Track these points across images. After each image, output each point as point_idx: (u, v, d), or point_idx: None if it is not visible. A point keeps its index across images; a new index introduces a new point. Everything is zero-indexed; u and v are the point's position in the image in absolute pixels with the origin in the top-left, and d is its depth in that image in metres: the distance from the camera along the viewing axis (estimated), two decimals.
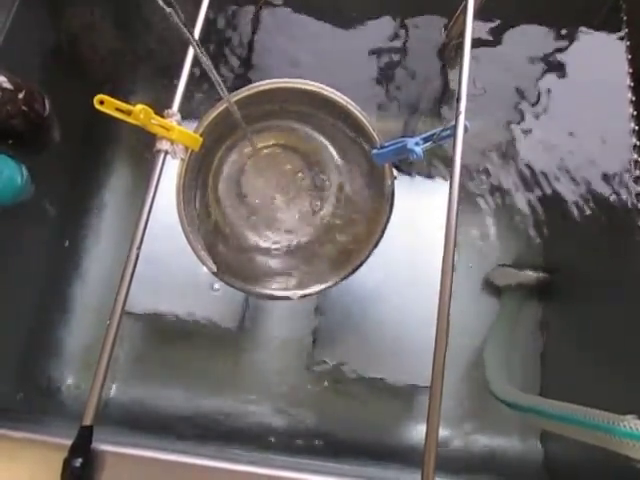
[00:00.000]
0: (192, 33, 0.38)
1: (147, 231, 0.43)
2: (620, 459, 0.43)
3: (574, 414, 0.47)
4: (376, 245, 0.52)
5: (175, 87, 0.47)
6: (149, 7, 0.77)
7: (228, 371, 0.74)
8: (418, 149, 0.44)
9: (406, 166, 0.74)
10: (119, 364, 0.74)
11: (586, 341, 0.67)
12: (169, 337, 0.75)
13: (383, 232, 0.52)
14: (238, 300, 0.71)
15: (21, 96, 0.63)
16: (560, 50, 0.76)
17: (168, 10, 0.35)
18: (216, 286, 0.68)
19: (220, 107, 0.52)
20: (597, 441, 0.44)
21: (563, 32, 0.75)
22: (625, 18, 0.70)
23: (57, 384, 0.74)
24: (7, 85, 0.62)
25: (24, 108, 0.64)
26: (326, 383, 0.73)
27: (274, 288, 0.53)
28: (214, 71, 0.41)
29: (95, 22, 0.75)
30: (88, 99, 0.40)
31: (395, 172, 0.52)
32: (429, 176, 0.75)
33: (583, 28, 0.74)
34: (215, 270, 0.51)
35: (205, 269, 0.51)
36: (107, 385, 0.72)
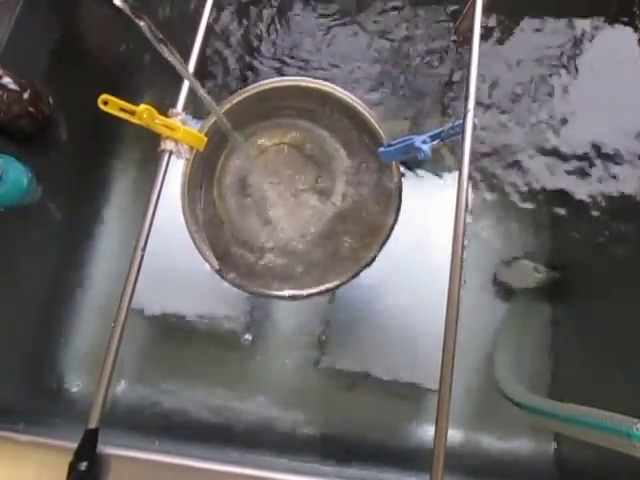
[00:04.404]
0: (186, 68, 0.38)
1: (152, 231, 0.43)
2: (634, 461, 0.42)
3: (586, 417, 0.46)
4: (384, 243, 0.52)
5: (180, 86, 0.47)
6: (153, 5, 0.76)
7: (235, 372, 0.74)
8: (425, 147, 0.43)
9: (413, 163, 0.73)
10: (126, 366, 0.73)
11: (598, 341, 0.66)
12: (176, 338, 0.74)
13: (391, 230, 0.52)
14: (245, 300, 0.70)
15: (26, 96, 0.63)
16: (572, 44, 0.75)
17: (166, 52, 0.35)
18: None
19: (225, 106, 0.52)
20: (610, 444, 0.43)
21: (574, 26, 0.74)
22: (638, 12, 0.69)
23: (64, 386, 0.74)
24: (13, 86, 0.62)
25: (30, 108, 0.64)
26: (334, 384, 0.72)
27: (280, 287, 0.53)
28: (204, 92, 0.41)
29: (99, 21, 0.75)
30: (93, 98, 0.39)
31: (402, 169, 0.52)
32: (437, 172, 0.74)
33: (595, 21, 0.73)
34: (218, 268, 0.51)
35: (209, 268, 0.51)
36: (114, 387, 0.72)
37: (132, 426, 0.67)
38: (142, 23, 0.35)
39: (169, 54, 0.38)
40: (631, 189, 0.66)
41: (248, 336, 0.74)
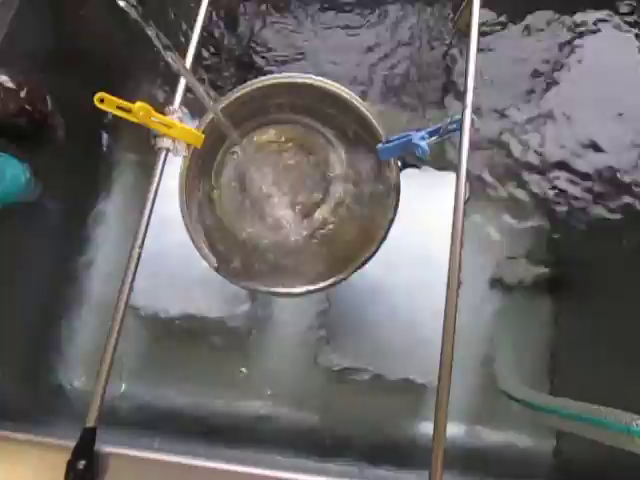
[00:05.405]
0: (184, 65, 0.38)
1: (150, 229, 0.43)
2: (635, 458, 0.42)
3: (586, 413, 0.46)
4: (383, 240, 0.52)
5: (177, 84, 0.47)
6: (150, 4, 0.76)
7: (235, 370, 0.74)
8: (424, 143, 0.43)
9: (412, 159, 0.73)
10: (125, 366, 0.73)
11: (599, 338, 0.65)
12: (175, 337, 0.74)
13: (390, 227, 0.52)
14: (244, 297, 0.70)
15: (23, 95, 0.63)
16: (570, 38, 0.74)
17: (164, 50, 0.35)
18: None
19: (223, 103, 0.51)
20: (610, 440, 0.43)
21: (574, 21, 0.74)
22: (636, 5, 0.69)
23: (62, 385, 0.74)
24: (9, 84, 0.62)
25: (27, 107, 0.64)
26: (333, 381, 0.72)
27: (278, 284, 0.52)
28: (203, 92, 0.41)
29: (96, 19, 0.75)
30: (90, 96, 0.39)
31: (400, 164, 0.52)
32: (436, 168, 0.74)
33: (594, 15, 0.73)
34: (216, 266, 0.51)
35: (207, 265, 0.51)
36: (114, 386, 0.72)
37: (131, 425, 0.67)
38: (148, 29, 0.35)
39: (176, 62, 0.38)
40: (629, 186, 0.66)
41: (247, 335, 0.74)
